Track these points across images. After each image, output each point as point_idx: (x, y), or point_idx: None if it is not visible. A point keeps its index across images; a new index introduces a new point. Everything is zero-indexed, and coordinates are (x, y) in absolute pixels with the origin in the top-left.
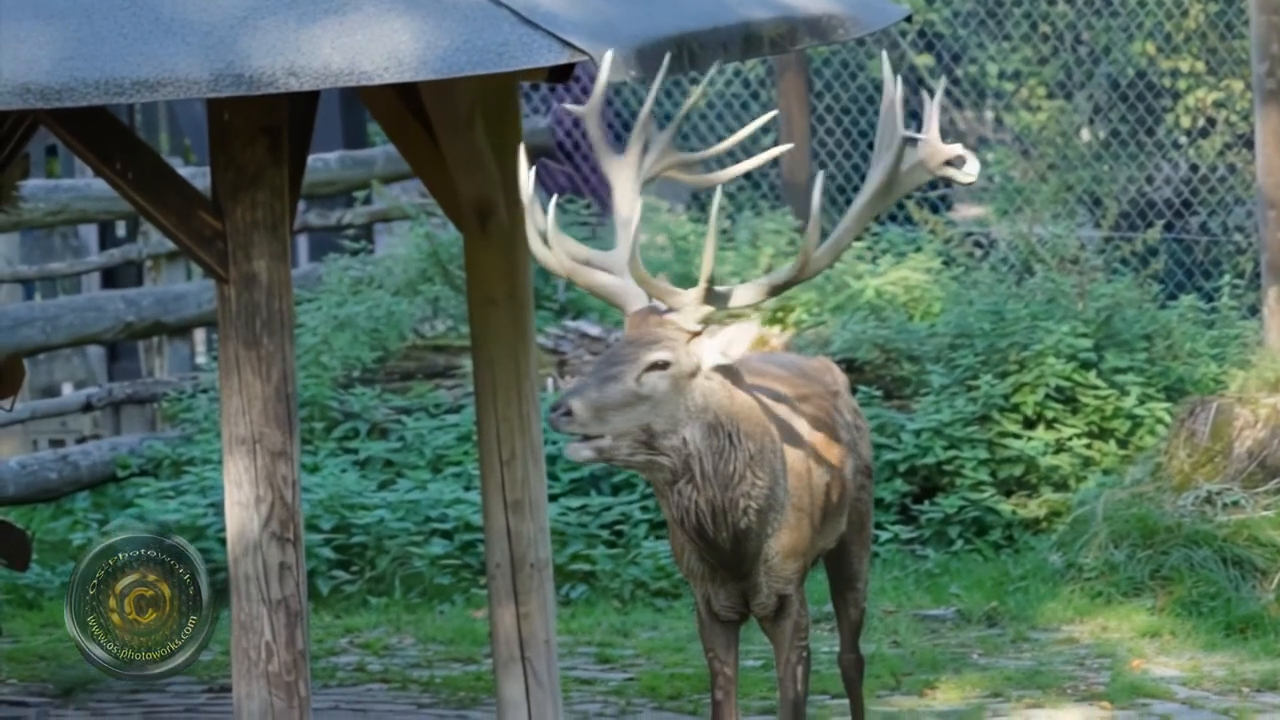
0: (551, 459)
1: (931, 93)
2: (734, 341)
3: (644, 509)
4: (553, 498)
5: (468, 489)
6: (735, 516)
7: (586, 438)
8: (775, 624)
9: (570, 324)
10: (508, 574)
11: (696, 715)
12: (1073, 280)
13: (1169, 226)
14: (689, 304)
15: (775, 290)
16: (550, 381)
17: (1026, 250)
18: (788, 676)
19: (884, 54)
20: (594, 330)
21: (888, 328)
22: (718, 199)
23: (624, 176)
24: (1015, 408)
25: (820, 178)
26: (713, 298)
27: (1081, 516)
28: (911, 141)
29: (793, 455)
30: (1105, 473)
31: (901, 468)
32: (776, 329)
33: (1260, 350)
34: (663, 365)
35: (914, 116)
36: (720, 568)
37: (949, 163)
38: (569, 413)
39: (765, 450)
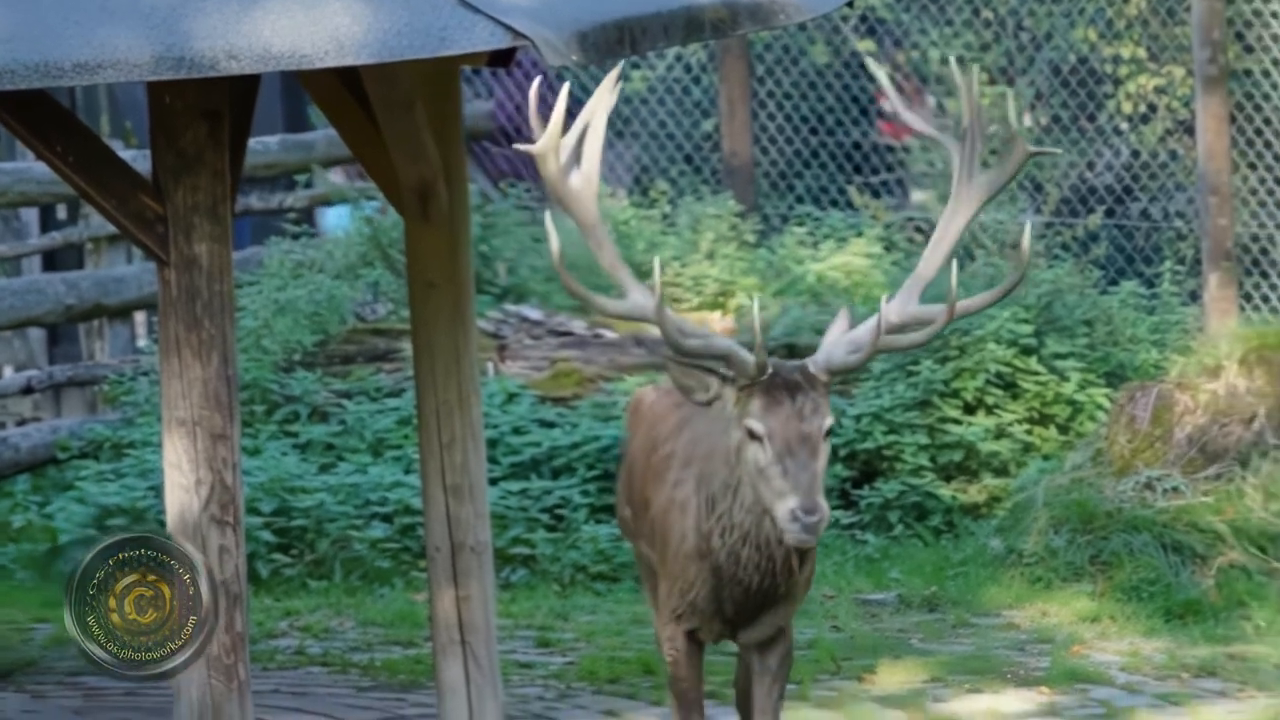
0: (491, 443)
1: (895, 81)
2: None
3: (584, 493)
4: (493, 481)
5: (408, 472)
6: (793, 569)
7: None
8: (766, 652)
9: (511, 308)
10: (447, 557)
11: (635, 699)
12: (1013, 265)
13: (1110, 212)
14: (822, 368)
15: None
16: (490, 366)
17: (968, 236)
18: (769, 708)
19: (974, 71)
20: (535, 314)
21: (829, 313)
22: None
23: (594, 214)
24: (955, 393)
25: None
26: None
27: (1021, 502)
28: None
29: None
30: (1045, 458)
31: (842, 453)
32: (717, 314)
33: (1200, 336)
34: (830, 432)
35: (856, 101)
36: (733, 610)
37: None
38: (823, 517)
39: None
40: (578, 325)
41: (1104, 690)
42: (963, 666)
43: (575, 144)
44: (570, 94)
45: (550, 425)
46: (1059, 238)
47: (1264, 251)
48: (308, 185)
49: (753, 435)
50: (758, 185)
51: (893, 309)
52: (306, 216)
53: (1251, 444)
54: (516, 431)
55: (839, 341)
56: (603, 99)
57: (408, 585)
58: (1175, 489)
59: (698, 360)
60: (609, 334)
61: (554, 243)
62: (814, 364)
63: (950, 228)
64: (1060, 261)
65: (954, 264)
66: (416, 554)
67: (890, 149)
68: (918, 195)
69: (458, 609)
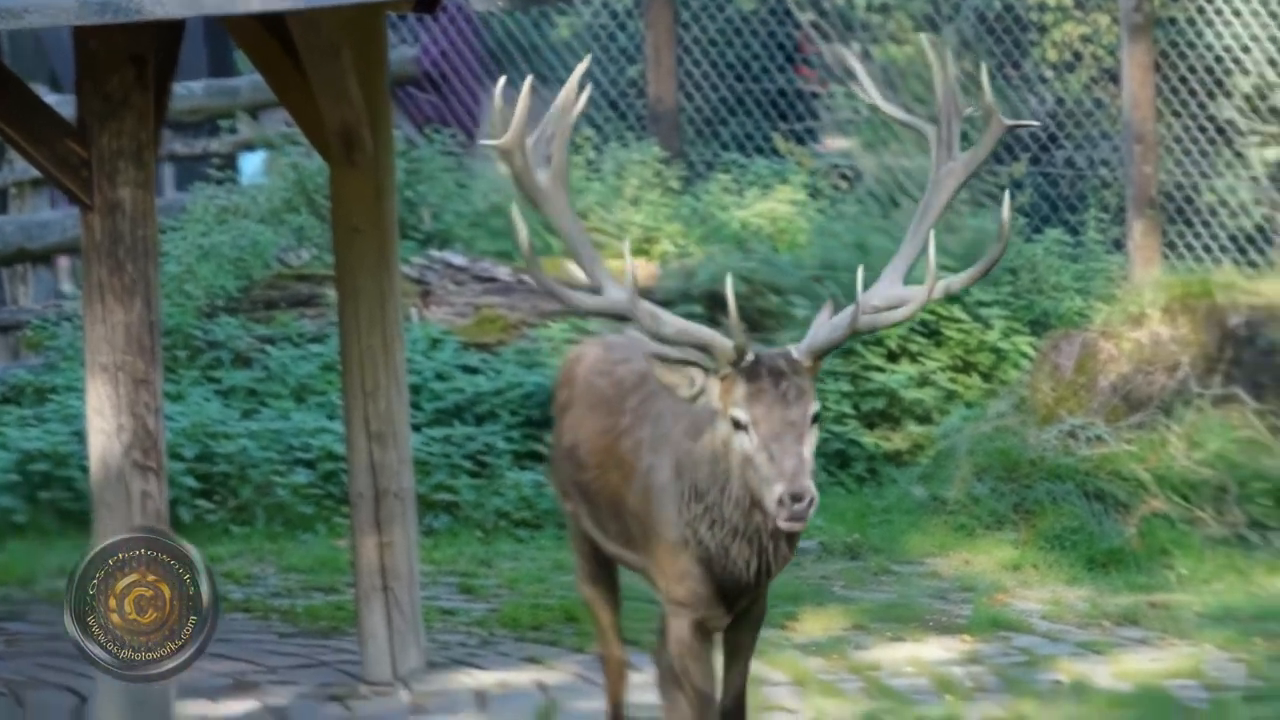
0: (415, 389)
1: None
2: None
3: (508, 439)
4: (416, 427)
5: (331, 418)
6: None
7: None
8: (746, 618)
9: (435, 254)
10: (370, 503)
11: (558, 645)
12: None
13: (1035, 160)
14: (805, 351)
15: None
16: (414, 311)
17: (892, 183)
18: (739, 675)
19: (947, 50)
20: (459, 260)
21: (753, 260)
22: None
23: (567, 212)
24: (879, 341)
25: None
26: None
27: (945, 450)
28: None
29: None
30: (968, 406)
31: None
32: (642, 260)
33: (1125, 284)
34: (816, 418)
35: (782, 48)
36: (733, 595)
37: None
38: (812, 501)
39: None
40: (502, 271)
41: (1026, 638)
42: (885, 614)
43: (542, 141)
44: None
45: (474, 371)
46: (983, 185)
47: (1188, 200)
48: (232, 131)
49: (738, 424)
50: (682, 132)
51: (876, 294)
52: (230, 162)
53: (1175, 392)
54: (440, 378)
55: (823, 326)
56: (570, 97)
57: (330, 531)
58: (1098, 437)
59: (676, 347)
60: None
61: (523, 235)
62: (797, 350)
63: (930, 209)
64: (984, 209)
65: (931, 243)
66: (339, 500)
67: (815, 95)
68: (842, 142)
69: (380, 555)
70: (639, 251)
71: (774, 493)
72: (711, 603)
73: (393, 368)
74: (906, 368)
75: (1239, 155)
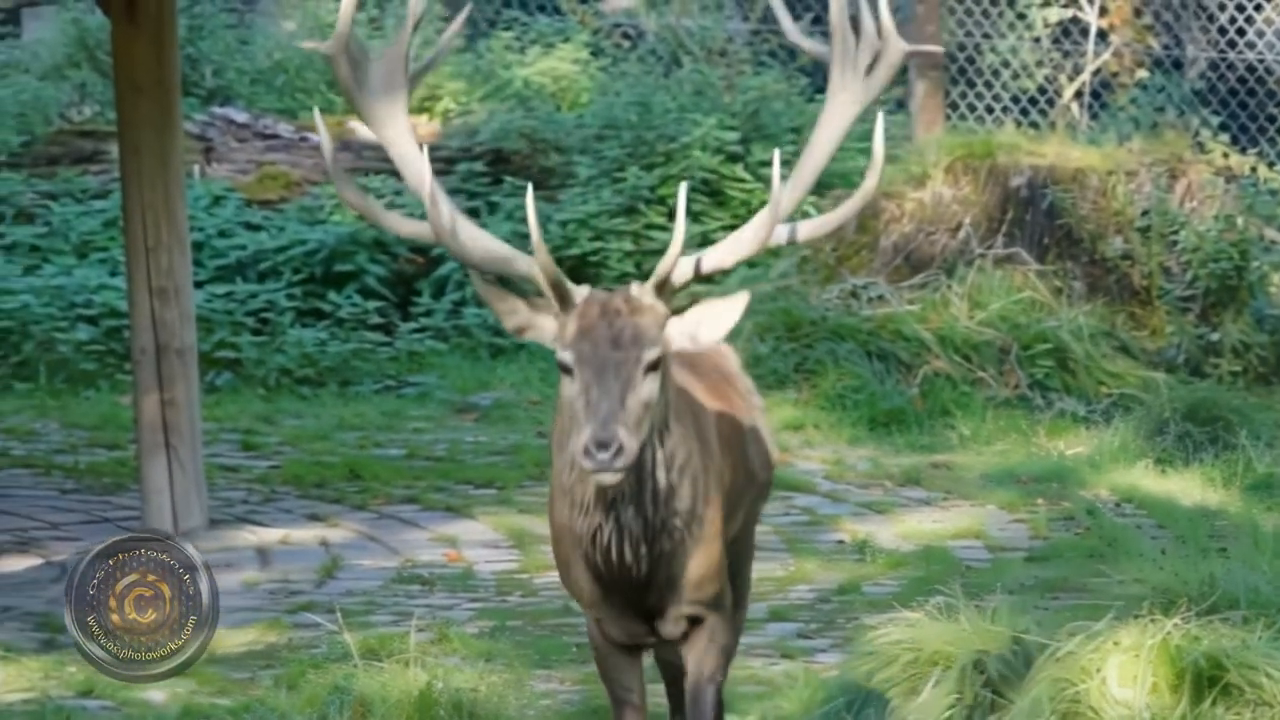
0: (198, 245)
1: None
2: (705, 324)
3: (290, 296)
4: (198, 284)
5: (114, 275)
6: (661, 542)
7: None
8: (688, 652)
9: (218, 110)
10: (153, 360)
11: (341, 503)
12: (720, 73)
13: (817, 19)
14: (647, 290)
15: (738, 261)
16: (196, 168)
17: (675, 42)
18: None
19: None
20: (241, 117)
21: (535, 118)
22: (683, 197)
23: (399, 126)
24: (661, 200)
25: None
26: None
27: None
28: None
29: (717, 457)
30: (750, 265)
31: None
32: (424, 118)
33: (907, 145)
34: (656, 365)
35: None
36: (620, 598)
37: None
38: (620, 449)
39: (692, 456)
40: (284, 128)
41: (808, 498)
42: None
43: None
44: None
45: (256, 228)
46: (766, 45)
47: (970, 60)
48: None
49: (564, 368)
50: None
51: (747, 231)
52: (13, 17)
53: (957, 252)
54: (222, 234)
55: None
56: (417, 7)
57: (113, 388)
58: (881, 297)
59: (490, 272)
60: (315, 137)
61: (326, 149)
62: (638, 285)
63: (817, 148)
64: (767, 68)
65: (777, 182)
66: (122, 356)
67: None
68: (624, 1)
69: (162, 412)
70: (420, 110)
71: (580, 439)
72: (599, 601)
73: (175, 224)
74: (689, 227)
75: (1021, 16)
